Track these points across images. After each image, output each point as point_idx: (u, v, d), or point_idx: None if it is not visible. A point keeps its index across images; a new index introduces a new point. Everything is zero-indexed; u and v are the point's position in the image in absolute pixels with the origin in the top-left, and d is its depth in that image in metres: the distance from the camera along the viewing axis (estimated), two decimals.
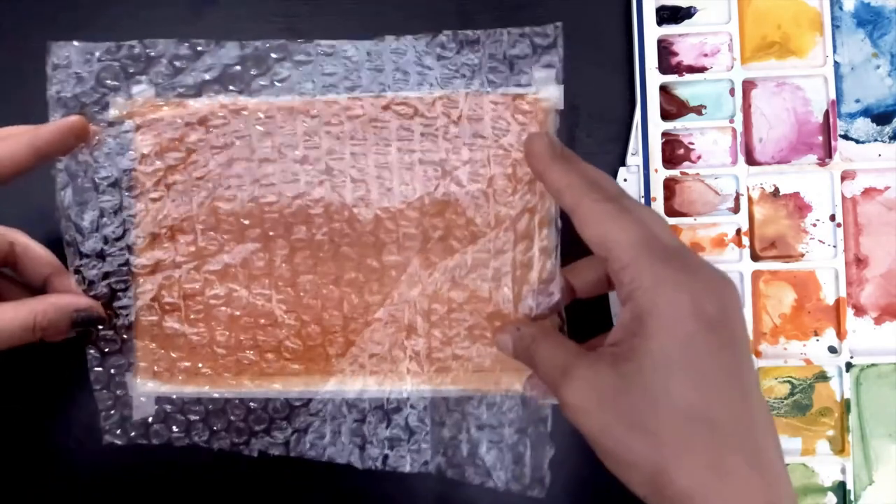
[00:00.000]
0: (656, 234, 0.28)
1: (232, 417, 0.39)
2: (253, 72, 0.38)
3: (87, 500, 0.40)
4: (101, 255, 0.38)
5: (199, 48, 0.38)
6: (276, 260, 0.39)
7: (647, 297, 0.26)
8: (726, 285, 0.27)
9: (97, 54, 0.37)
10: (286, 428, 0.38)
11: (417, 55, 0.39)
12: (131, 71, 0.37)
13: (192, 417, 0.39)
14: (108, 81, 0.38)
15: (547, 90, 0.39)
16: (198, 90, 0.38)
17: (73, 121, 0.35)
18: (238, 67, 0.38)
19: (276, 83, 0.39)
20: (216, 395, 0.39)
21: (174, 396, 0.39)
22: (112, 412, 0.38)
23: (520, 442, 0.37)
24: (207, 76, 0.38)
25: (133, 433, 0.38)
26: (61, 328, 0.34)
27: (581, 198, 0.29)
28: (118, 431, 0.38)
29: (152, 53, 0.37)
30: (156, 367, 0.39)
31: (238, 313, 0.39)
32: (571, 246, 0.39)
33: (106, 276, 0.38)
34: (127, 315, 0.39)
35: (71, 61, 0.37)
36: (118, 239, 0.39)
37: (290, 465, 0.39)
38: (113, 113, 0.40)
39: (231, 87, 0.38)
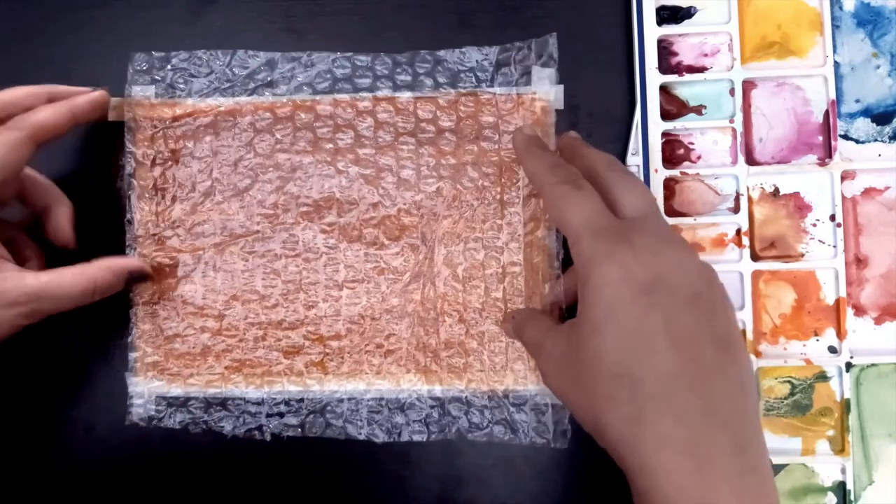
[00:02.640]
0: (608, 210, 0.30)
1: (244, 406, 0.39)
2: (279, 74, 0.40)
3: (89, 485, 0.40)
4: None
5: (257, 58, 0.40)
6: (281, 260, 0.39)
7: (584, 270, 0.28)
8: (668, 255, 0.28)
9: (173, 61, 0.40)
10: (301, 410, 0.39)
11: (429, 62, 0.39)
12: (198, 75, 0.40)
13: (200, 406, 0.39)
14: (180, 85, 0.40)
15: (547, 90, 0.39)
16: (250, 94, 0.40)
17: (99, 94, 0.38)
18: (279, 73, 0.40)
19: (291, 81, 0.40)
20: (216, 393, 0.39)
21: (176, 395, 0.39)
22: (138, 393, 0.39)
23: (541, 400, 0.38)
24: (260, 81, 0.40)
25: (150, 416, 0.39)
26: (117, 289, 0.37)
27: (543, 183, 0.32)
28: (141, 412, 0.39)
29: (219, 61, 0.40)
30: (155, 367, 0.39)
31: (239, 314, 0.39)
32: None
33: None
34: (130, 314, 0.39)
35: (150, 67, 0.40)
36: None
37: (288, 462, 0.39)
38: (112, 114, 0.40)
39: (276, 91, 0.40)
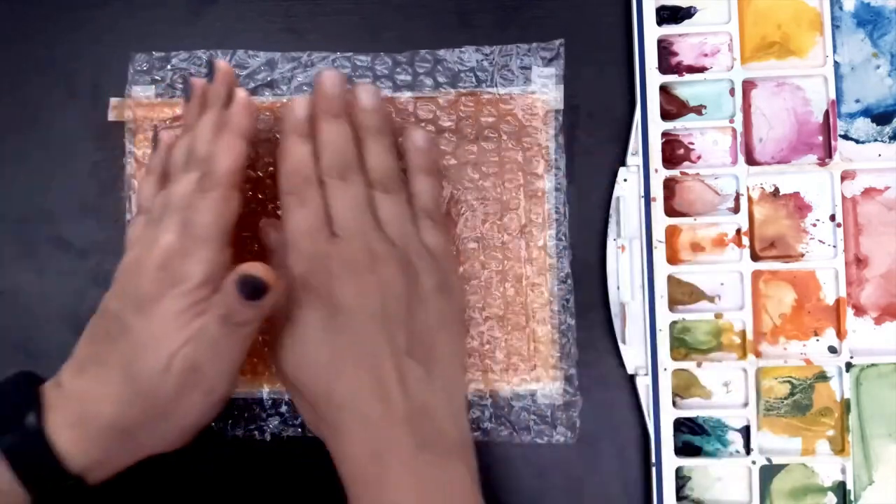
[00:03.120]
0: (324, 230, 0.32)
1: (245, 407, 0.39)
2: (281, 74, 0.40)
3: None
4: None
5: (257, 58, 0.40)
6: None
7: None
8: (347, 281, 0.31)
9: (173, 61, 0.40)
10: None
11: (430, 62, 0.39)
12: (198, 75, 0.39)
13: None
14: (180, 85, 0.40)
15: (547, 90, 0.39)
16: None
17: (243, 97, 0.34)
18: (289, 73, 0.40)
19: (291, 81, 0.40)
20: None
21: None
22: None
23: (542, 400, 0.38)
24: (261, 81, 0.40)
25: None
26: (237, 306, 0.30)
27: (280, 185, 0.34)
28: None
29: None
30: None
31: None
32: (575, 249, 0.39)
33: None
34: None
35: (150, 67, 0.40)
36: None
37: (285, 461, 0.39)
38: (112, 114, 0.40)
39: (276, 91, 0.40)
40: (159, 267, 0.31)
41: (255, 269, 0.30)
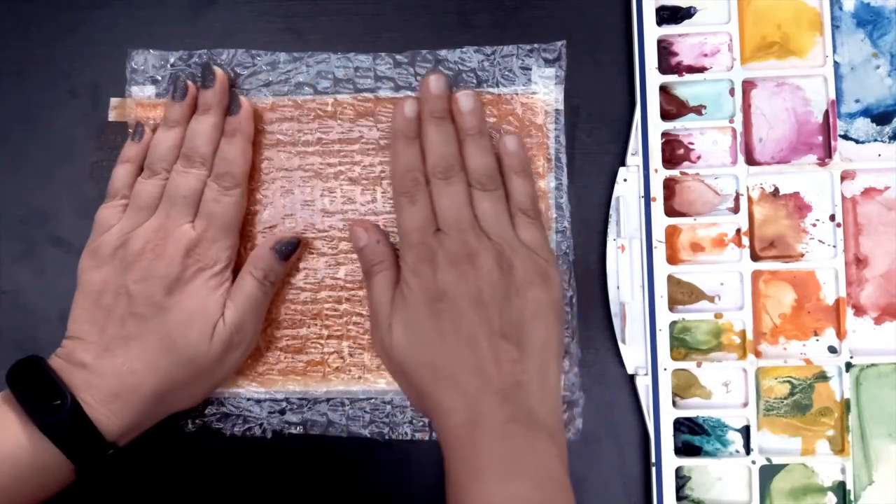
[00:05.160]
0: (431, 224, 0.36)
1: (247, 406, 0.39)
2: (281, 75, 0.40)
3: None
4: None
5: (257, 57, 0.40)
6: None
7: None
8: (448, 272, 0.35)
9: (171, 60, 0.40)
10: (302, 407, 0.39)
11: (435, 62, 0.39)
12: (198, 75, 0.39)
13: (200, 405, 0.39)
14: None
15: (547, 91, 0.39)
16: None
17: (247, 107, 0.38)
18: (287, 72, 0.40)
19: (292, 81, 0.40)
20: (216, 393, 0.39)
21: None
22: None
23: None
24: (262, 81, 0.40)
25: None
26: (276, 266, 0.38)
27: (393, 184, 0.39)
28: None
29: (219, 61, 0.40)
30: None
31: None
32: (575, 249, 0.39)
33: None
34: None
35: (147, 66, 0.40)
36: None
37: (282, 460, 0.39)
38: (112, 114, 0.40)
39: (276, 91, 0.40)
40: (186, 254, 0.35)
41: (285, 233, 0.39)
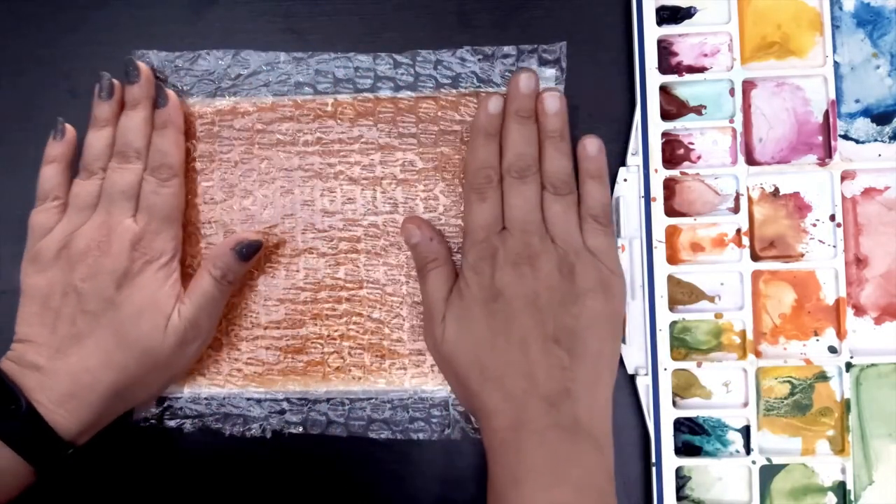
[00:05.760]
0: (498, 223, 0.36)
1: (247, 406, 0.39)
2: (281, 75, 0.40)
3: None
4: None
5: (258, 57, 0.40)
6: (283, 260, 0.39)
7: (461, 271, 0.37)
8: (507, 272, 0.35)
9: (174, 60, 0.40)
10: (303, 407, 0.39)
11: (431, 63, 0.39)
12: (198, 75, 0.40)
13: (200, 405, 0.39)
14: (181, 85, 0.40)
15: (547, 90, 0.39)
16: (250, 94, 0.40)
17: (173, 100, 0.38)
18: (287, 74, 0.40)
19: (292, 81, 0.40)
20: (216, 392, 0.39)
21: (176, 396, 0.39)
22: None
23: None
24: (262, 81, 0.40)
25: (151, 415, 0.39)
26: (234, 265, 0.37)
27: (466, 178, 0.38)
28: (141, 413, 0.39)
29: (220, 60, 0.40)
30: None
31: (240, 313, 0.39)
32: None
33: None
34: None
35: (152, 66, 0.40)
36: None
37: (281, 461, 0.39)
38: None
39: (276, 91, 0.40)
40: (132, 248, 0.36)
41: (247, 234, 0.38)
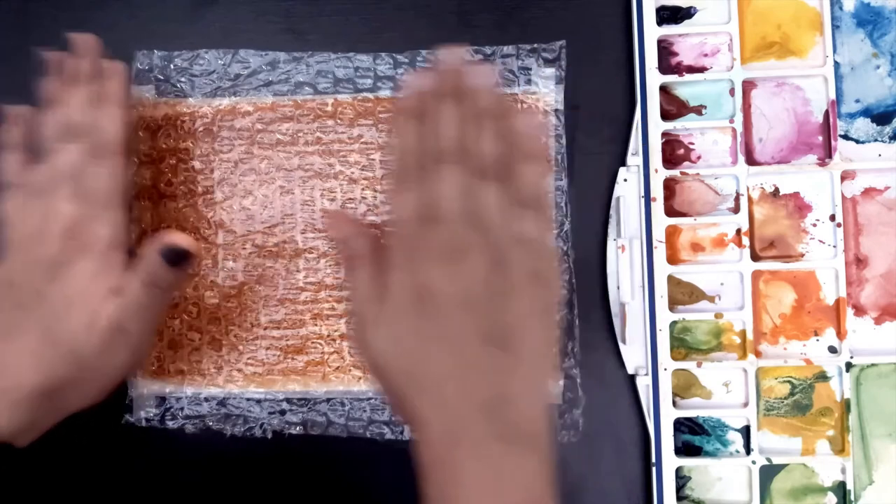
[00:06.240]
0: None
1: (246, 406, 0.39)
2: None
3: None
4: None
5: (258, 57, 0.40)
6: (283, 260, 0.39)
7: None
8: (432, 267, 0.31)
9: (175, 60, 0.40)
10: (303, 407, 0.39)
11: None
12: (199, 74, 0.40)
13: (201, 405, 0.39)
14: (181, 84, 0.40)
15: (547, 91, 0.39)
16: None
17: (115, 65, 0.36)
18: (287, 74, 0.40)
19: (292, 81, 0.40)
20: (216, 393, 0.39)
21: (177, 396, 0.39)
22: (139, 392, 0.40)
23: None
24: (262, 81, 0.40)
25: (150, 416, 0.39)
26: (161, 271, 0.34)
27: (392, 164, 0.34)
28: (141, 413, 0.39)
29: (220, 61, 0.40)
30: (155, 367, 0.39)
31: (240, 313, 0.39)
32: (575, 249, 0.39)
33: None
34: None
35: (152, 66, 0.40)
36: None
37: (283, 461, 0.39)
38: None
39: (277, 91, 0.40)
40: (65, 234, 0.33)
41: (177, 238, 0.34)
